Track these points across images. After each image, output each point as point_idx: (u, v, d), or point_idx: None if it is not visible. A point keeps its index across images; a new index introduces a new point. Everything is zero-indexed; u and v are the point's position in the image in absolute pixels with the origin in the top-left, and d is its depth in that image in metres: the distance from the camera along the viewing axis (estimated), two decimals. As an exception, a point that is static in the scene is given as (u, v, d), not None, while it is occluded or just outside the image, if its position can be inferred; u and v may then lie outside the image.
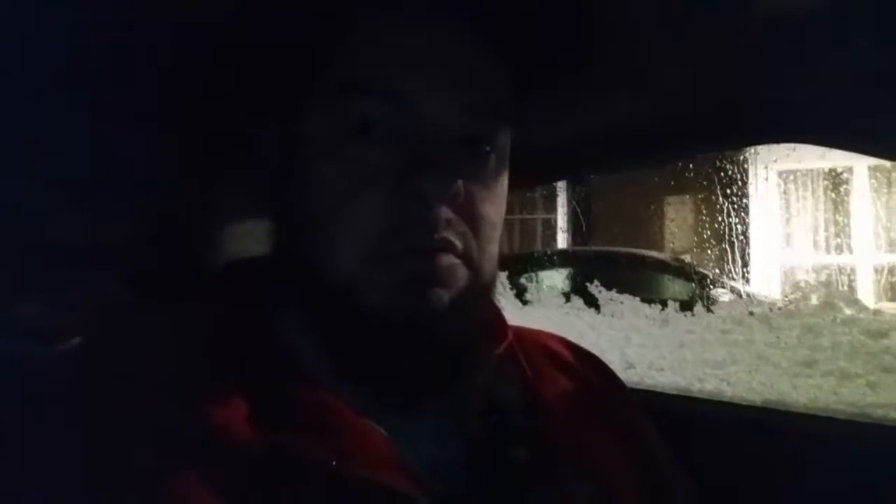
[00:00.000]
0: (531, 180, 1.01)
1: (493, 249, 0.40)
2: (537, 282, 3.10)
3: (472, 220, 0.38)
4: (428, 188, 0.36)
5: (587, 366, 0.51)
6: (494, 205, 0.40)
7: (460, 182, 0.36)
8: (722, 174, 3.54)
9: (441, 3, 0.39)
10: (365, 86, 0.37)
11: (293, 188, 0.39)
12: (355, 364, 0.38)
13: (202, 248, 0.62)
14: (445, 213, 0.37)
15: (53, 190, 0.58)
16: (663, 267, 3.51)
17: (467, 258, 0.38)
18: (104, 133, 0.54)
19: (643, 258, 3.64)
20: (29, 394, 0.36)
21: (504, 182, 0.42)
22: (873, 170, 4.19)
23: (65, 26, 0.39)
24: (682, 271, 3.34)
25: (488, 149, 0.40)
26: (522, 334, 0.50)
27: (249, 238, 0.59)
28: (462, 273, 0.38)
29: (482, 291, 0.40)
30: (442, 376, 0.40)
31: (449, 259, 0.37)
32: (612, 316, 1.88)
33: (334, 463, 0.33)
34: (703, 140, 0.67)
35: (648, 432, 0.50)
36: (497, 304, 0.47)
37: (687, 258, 4.03)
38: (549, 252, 4.14)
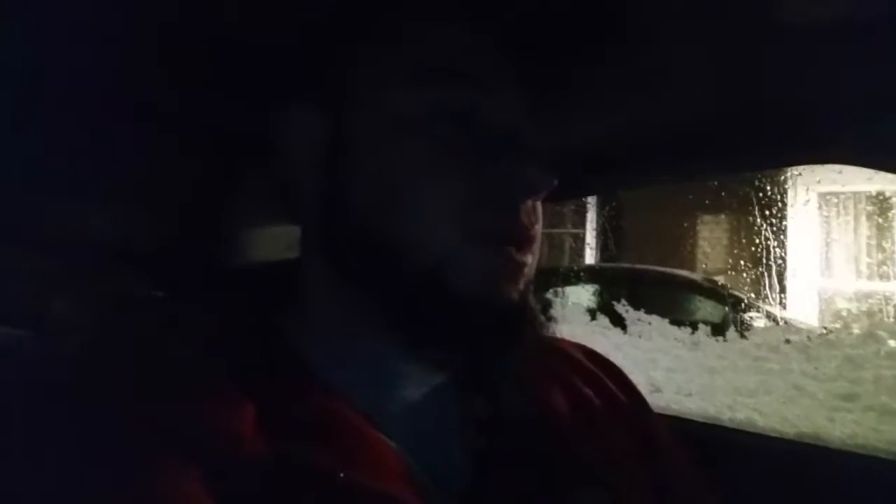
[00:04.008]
0: (564, 194, 1.00)
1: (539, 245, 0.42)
2: (563, 297, 3.06)
3: (538, 212, 0.40)
4: (527, 178, 0.37)
5: (606, 374, 0.49)
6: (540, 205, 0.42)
7: (554, 178, 0.38)
8: (760, 194, 3.43)
9: (482, 8, 0.40)
10: (457, 73, 0.38)
11: (371, 177, 0.39)
12: (428, 341, 0.38)
13: (224, 250, 0.63)
14: (529, 203, 0.39)
15: (79, 189, 0.60)
16: (694, 287, 3.42)
17: (534, 251, 0.40)
18: (132, 130, 0.55)
19: (673, 277, 3.55)
20: (38, 392, 0.36)
21: None
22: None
23: (103, 23, 0.40)
24: (714, 293, 3.24)
25: (543, 151, 0.41)
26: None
27: (270, 243, 0.60)
28: (527, 271, 0.39)
29: (531, 286, 0.41)
30: (497, 363, 0.40)
31: (528, 256, 0.39)
32: (639, 336, 1.83)
33: (342, 474, 0.33)
34: (738, 158, 0.65)
35: (671, 445, 0.48)
36: (538, 317, 0.47)
37: (720, 280, 3.91)
38: (575, 268, 4.08)
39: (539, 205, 0.41)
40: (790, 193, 3.74)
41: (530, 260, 0.39)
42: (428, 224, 0.37)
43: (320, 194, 0.40)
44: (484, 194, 0.37)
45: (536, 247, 0.40)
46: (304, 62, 0.43)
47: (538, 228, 0.40)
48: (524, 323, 0.39)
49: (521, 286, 0.39)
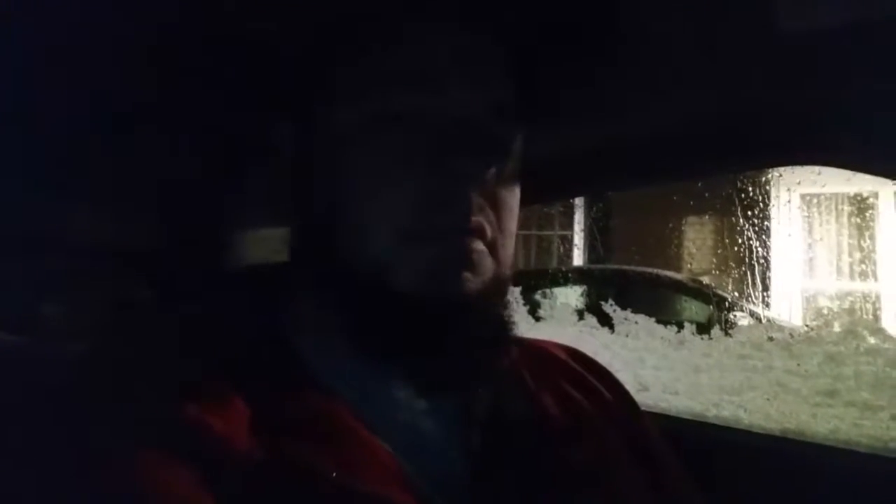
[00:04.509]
0: (551, 195, 1.01)
1: (512, 245, 0.41)
2: (551, 298, 3.08)
3: (497, 209, 0.39)
4: (463, 170, 0.37)
5: (596, 377, 0.50)
6: (512, 202, 0.41)
7: (491, 169, 0.38)
8: (743, 195, 3.49)
9: (459, 5, 0.40)
10: (400, 78, 0.38)
11: (320, 177, 0.40)
12: (381, 351, 0.38)
13: (222, 251, 0.63)
14: (477, 197, 0.38)
15: (75, 190, 0.60)
16: (680, 288, 3.46)
17: (493, 247, 0.39)
18: (125, 133, 0.55)
19: (659, 278, 3.59)
20: (35, 393, 0.36)
21: (517, 183, 0.43)
22: (900, 196, 4.09)
23: (87, 26, 0.40)
24: (699, 293, 3.28)
25: (507, 146, 0.41)
26: (527, 345, 0.49)
27: (268, 243, 0.60)
28: (488, 261, 0.39)
29: (502, 284, 0.41)
30: (457, 370, 0.40)
31: (479, 245, 0.38)
32: (627, 336, 1.85)
33: (334, 475, 0.33)
34: (725, 159, 0.67)
35: (660, 446, 0.48)
36: (509, 317, 0.46)
37: (705, 280, 3.96)
38: (563, 269, 4.11)
39: (502, 195, 0.40)
40: (772, 194, 3.81)
41: (481, 247, 0.38)
42: (373, 227, 0.37)
43: (296, 200, 0.41)
44: (424, 191, 0.37)
45: (494, 236, 0.39)
46: (276, 75, 0.44)
47: (488, 218, 0.39)
48: (482, 315, 0.39)
49: (477, 277, 0.38)
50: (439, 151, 0.37)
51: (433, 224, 0.37)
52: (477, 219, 0.38)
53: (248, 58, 0.44)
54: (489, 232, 0.39)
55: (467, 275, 0.38)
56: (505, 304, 0.43)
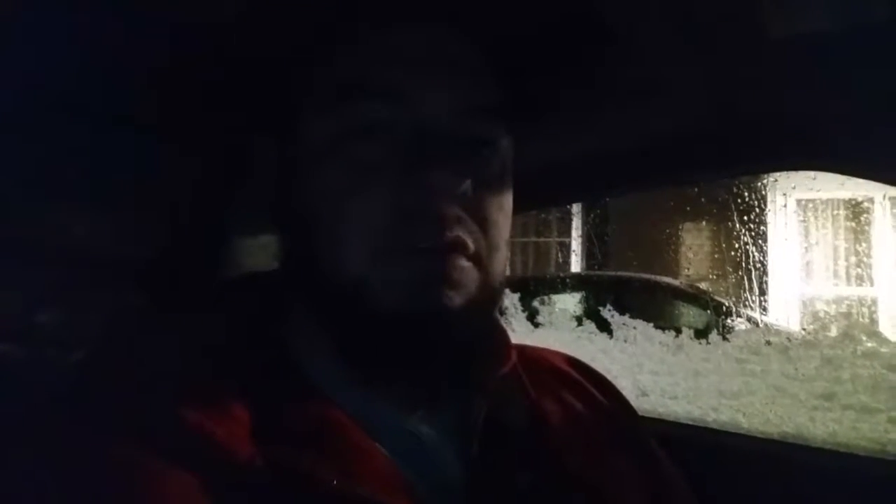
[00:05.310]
0: (546, 201, 1.01)
1: (502, 254, 0.40)
2: (549, 305, 3.08)
3: (480, 220, 0.38)
4: (437, 183, 0.35)
5: (595, 385, 0.50)
6: (501, 208, 0.40)
7: (468, 179, 0.36)
8: (739, 201, 3.51)
9: (440, 8, 0.39)
10: (367, 88, 0.37)
11: (297, 193, 0.40)
12: (365, 365, 0.38)
13: (218, 259, 0.63)
14: (455, 210, 0.36)
15: (73, 201, 0.60)
16: (678, 293, 3.47)
17: (477, 259, 0.37)
18: (121, 145, 0.55)
19: (657, 283, 3.60)
20: (36, 400, 0.36)
21: (509, 188, 0.41)
22: (894, 200, 4.12)
23: (81, 39, 0.41)
24: (696, 298, 3.29)
25: (490, 151, 0.40)
26: (527, 353, 0.49)
27: (265, 251, 0.60)
28: (473, 275, 0.37)
29: (491, 296, 0.40)
30: (451, 380, 0.40)
31: (461, 260, 0.36)
32: (625, 341, 1.85)
33: (335, 482, 0.33)
34: (720, 163, 0.67)
35: (658, 456, 0.49)
36: (502, 324, 0.47)
37: (702, 285, 3.97)
38: (562, 275, 4.12)
39: (486, 203, 0.38)
40: (768, 200, 3.83)
41: (462, 262, 0.36)
42: (348, 244, 0.36)
43: (279, 213, 0.42)
44: (395, 205, 0.36)
45: (478, 248, 0.37)
46: (253, 88, 0.44)
47: (469, 230, 0.37)
48: (469, 328, 0.38)
49: (460, 292, 0.36)
50: (408, 165, 0.36)
51: (407, 241, 0.36)
52: (454, 234, 0.36)
53: (227, 72, 0.44)
54: (471, 244, 0.37)
55: (449, 292, 0.36)
56: (496, 313, 0.42)
